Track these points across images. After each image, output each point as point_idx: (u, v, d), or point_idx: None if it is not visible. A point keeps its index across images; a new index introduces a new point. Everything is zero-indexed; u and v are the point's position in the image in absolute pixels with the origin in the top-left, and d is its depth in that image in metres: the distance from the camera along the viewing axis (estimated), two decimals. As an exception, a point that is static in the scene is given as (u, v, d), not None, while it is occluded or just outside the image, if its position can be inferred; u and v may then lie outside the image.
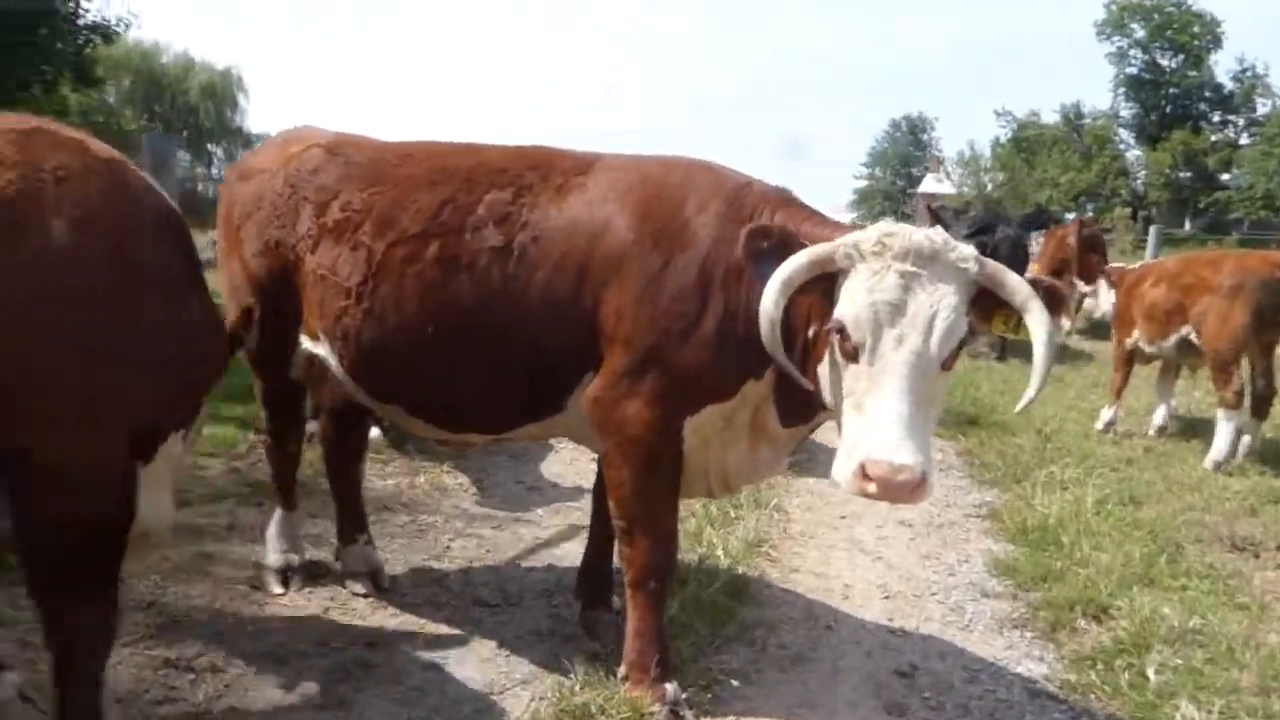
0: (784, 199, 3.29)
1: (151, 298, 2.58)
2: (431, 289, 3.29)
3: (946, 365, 2.76)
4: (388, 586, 4.23)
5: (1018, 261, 9.19)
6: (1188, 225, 44.28)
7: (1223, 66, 50.14)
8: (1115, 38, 49.85)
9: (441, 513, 5.36)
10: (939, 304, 2.67)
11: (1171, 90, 49.26)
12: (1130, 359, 8.53)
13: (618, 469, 3.30)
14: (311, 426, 4.91)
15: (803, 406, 3.20)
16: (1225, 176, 46.24)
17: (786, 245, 2.84)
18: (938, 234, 2.76)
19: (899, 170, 72.91)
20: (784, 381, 3.14)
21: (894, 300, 2.66)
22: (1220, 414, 7.32)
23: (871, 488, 2.61)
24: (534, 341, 3.26)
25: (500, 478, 6.08)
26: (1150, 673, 3.75)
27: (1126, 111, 50.76)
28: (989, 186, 46.95)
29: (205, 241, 3.99)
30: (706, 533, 5.00)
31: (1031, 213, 21.63)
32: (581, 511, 4.78)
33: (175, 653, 3.48)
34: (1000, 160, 49.52)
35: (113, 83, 37.66)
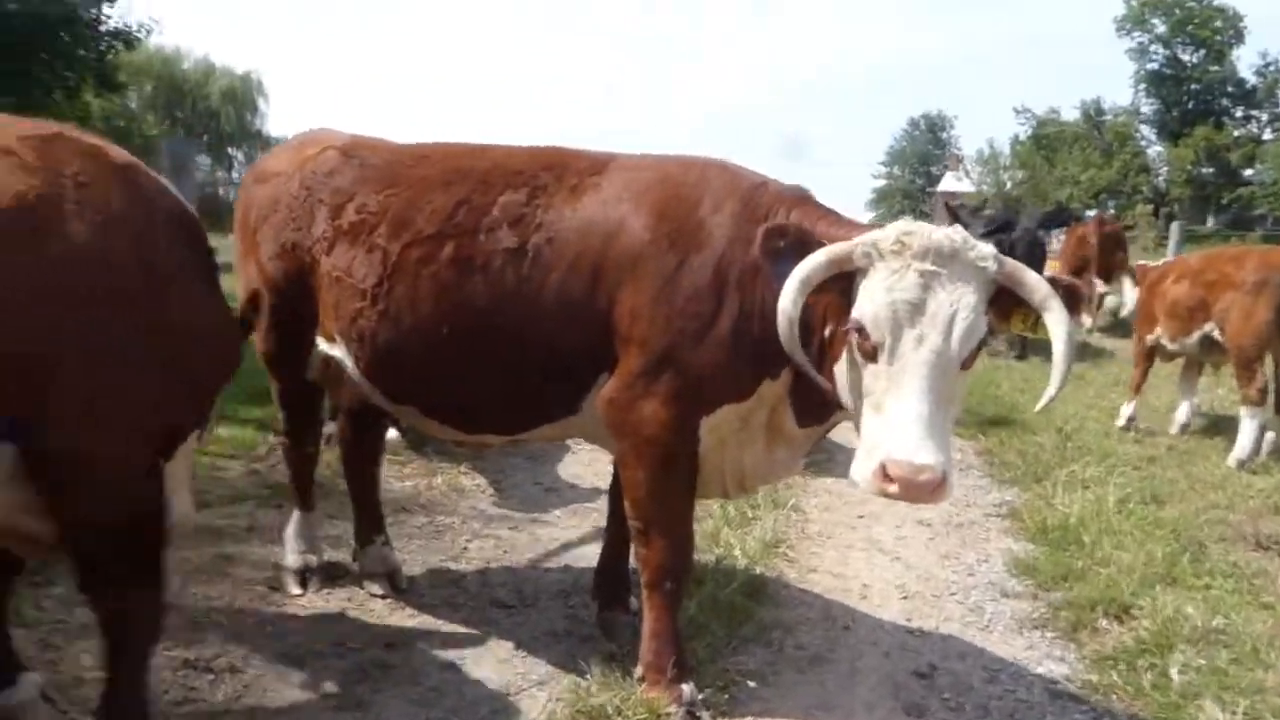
0: (800, 198, 3.27)
1: (168, 299, 2.61)
2: (446, 290, 3.30)
3: (966, 364, 2.73)
4: (405, 587, 4.24)
5: (1035, 260, 9.14)
6: (1210, 222, 43.86)
7: (1245, 61, 49.77)
8: (1136, 33, 49.45)
9: (459, 514, 5.38)
10: (959, 303, 2.65)
11: (1193, 86, 48.81)
12: (1150, 355, 8.47)
13: (633, 470, 3.30)
14: (329, 428, 4.93)
15: (819, 407, 3.19)
16: (1248, 172, 45.76)
17: (804, 244, 2.83)
18: (957, 232, 2.74)
19: (918, 169, 72.61)
20: (800, 382, 3.13)
21: (914, 299, 2.64)
22: (1244, 411, 7.25)
23: (892, 488, 2.59)
24: (549, 342, 3.26)
25: (518, 479, 6.09)
26: (1173, 673, 3.72)
27: (1148, 107, 50.33)
28: (1009, 184, 46.69)
29: (226, 244, 4.01)
30: (724, 533, 4.99)
31: (1052, 210, 21.47)
32: (599, 513, 4.78)
33: (194, 653, 3.50)
34: (1020, 158, 49.23)
35: (135, 88, 38.05)
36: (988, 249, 2.75)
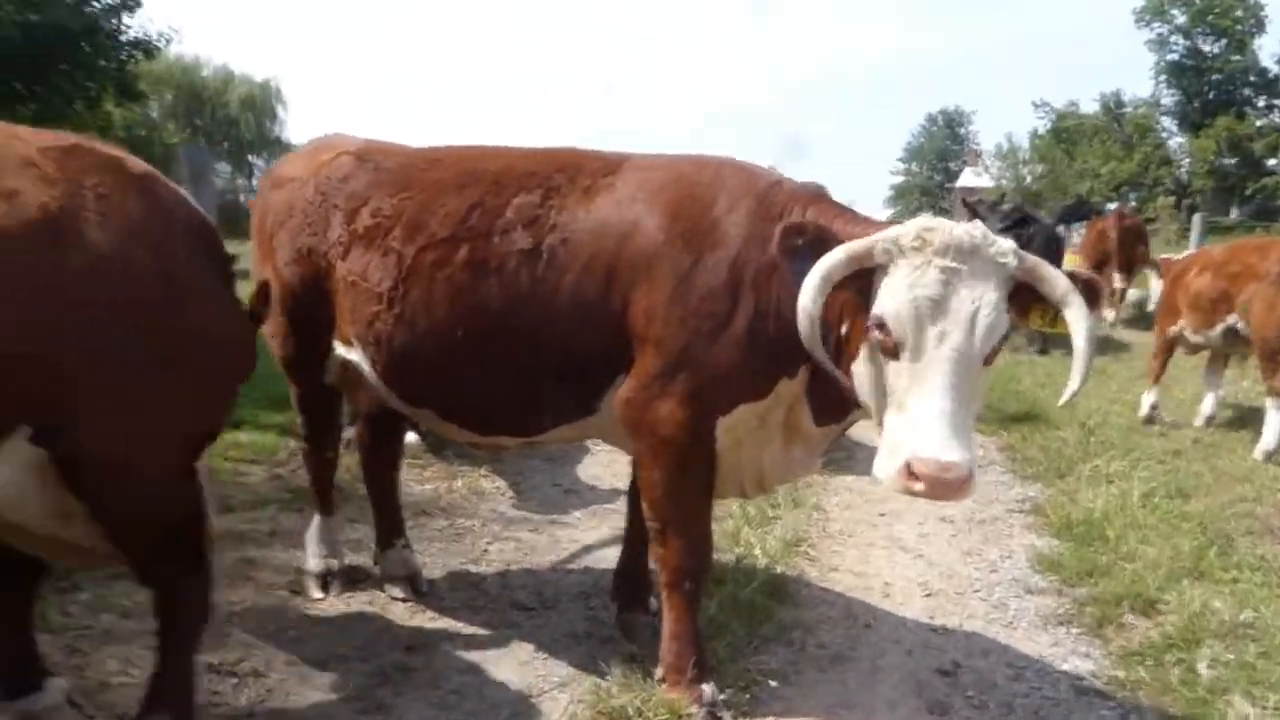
0: (815, 196, 3.25)
1: (187, 307, 2.66)
2: (461, 293, 3.30)
3: (988, 361, 2.72)
4: (426, 590, 4.25)
5: (1053, 254, 9.06)
6: (1234, 213, 43.37)
7: (1266, 50, 49.18)
8: (1155, 24, 48.99)
9: (479, 516, 5.38)
10: (981, 300, 2.63)
11: (1214, 76, 48.28)
12: (1170, 347, 8.41)
13: (651, 470, 3.29)
14: (348, 433, 4.95)
15: (836, 405, 3.17)
16: (1271, 162, 45.20)
17: (822, 242, 2.81)
18: (977, 228, 2.72)
19: (936, 165, 72.24)
20: (817, 380, 3.12)
21: (936, 296, 2.62)
22: (1269, 403, 7.16)
23: (918, 486, 2.58)
24: (564, 344, 3.25)
25: (537, 481, 6.09)
26: (1201, 668, 3.68)
27: (1168, 99, 49.84)
28: (1028, 179, 46.37)
29: (247, 251, 4.04)
30: (744, 532, 4.98)
31: (1072, 204, 21.26)
32: (618, 514, 4.78)
33: (218, 658, 3.51)
34: (1039, 152, 48.88)
35: (155, 97, 38.41)
36: (1007, 244, 2.74)
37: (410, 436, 5.79)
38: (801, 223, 2.93)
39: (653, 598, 3.91)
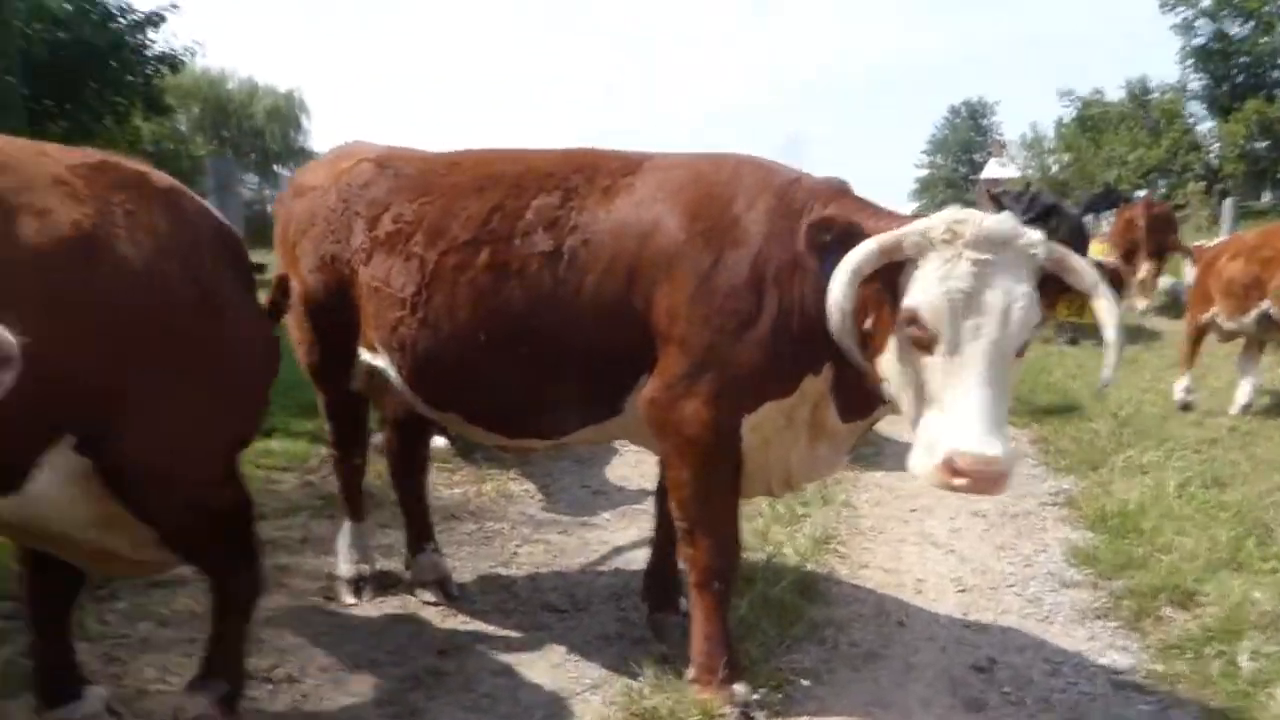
0: (836, 191, 3.23)
1: (216, 316, 2.72)
2: (483, 296, 3.31)
3: (1020, 353, 2.71)
4: (457, 594, 4.25)
5: (1079, 244, 8.98)
6: (1266, 197, 42.70)
7: (1296, 31, 48.26)
8: (1180, 9, 48.35)
9: (508, 519, 5.40)
10: (1014, 291, 2.63)
11: (1242, 59, 47.52)
12: (1202, 334, 8.32)
13: (677, 470, 3.28)
14: (377, 439, 4.98)
15: (862, 401, 3.15)
16: (1304, 144, 44.47)
17: (851, 236, 2.80)
18: (1006, 219, 2.71)
19: (960, 157, 71.68)
20: (843, 376, 3.10)
21: (969, 289, 2.61)
22: (1307, 389, 7.05)
23: (960, 481, 2.57)
24: (587, 345, 3.25)
25: (566, 483, 6.10)
26: (1242, 660, 3.62)
27: (1195, 83, 49.13)
28: (1054, 168, 45.88)
29: (275, 261, 4.10)
30: (773, 530, 4.96)
31: (1100, 192, 21.08)
32: (647, 515, 4.77)
33: (253, 664, 3.54)
34: (1065, 141, 48.34)
35: (182, 111, 38.85)
36: (1036, 235, 2.73)
37: (439, 441, 5.82)
38: (829, 217, 2.92)
39: (683, 598, 3.90)
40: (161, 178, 2.80)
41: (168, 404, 2.55)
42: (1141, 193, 28.45)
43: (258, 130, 46.11)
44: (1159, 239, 12.82)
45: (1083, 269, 2.74)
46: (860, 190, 3.33)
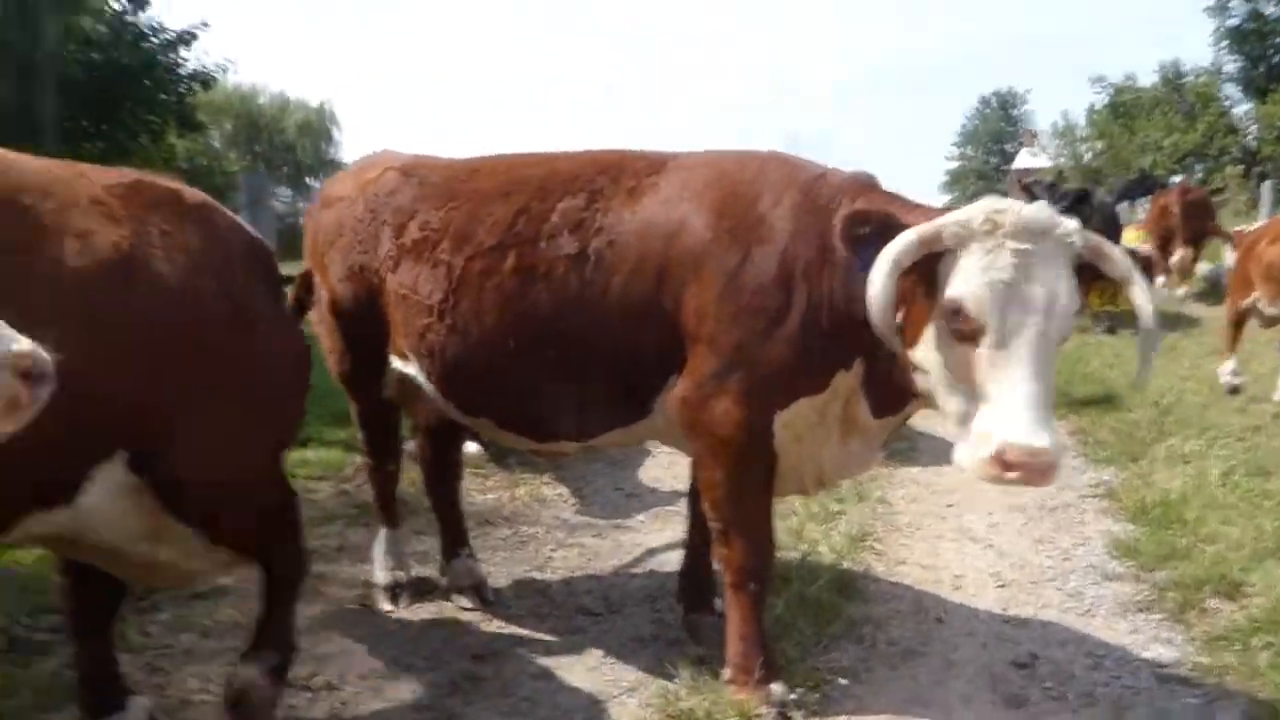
0: (863, 186, 3.21)
1: (251, 328, 2.78)
2: (511, 300, 3.33)
3: (1061, 342, 2.70)
4: (492, 599, 4.26)
5: (1111, 232, 8.88)
6: (1307, 178, 41.90)
7: (1334, 8, 47.32)
8: (1214, -10, 47.56)
9: (542, 524, 5.41)
10: (1056, 280, 2.62)
11: (1278, 39, 46.70)
12: (1242, 319, 8.18)
13: (710, 470, 3.28)
14: (411, 446, 5.01)
15: (894, 396, 3.13)
16: (1345, 124, 43.56)
17: (888, 228, 2.79)
18: (1043, 208, 2.70)
19: (991, 148, 70.92)
20: (874, 371, 3.08)
21: (1013, 279, 2.60)
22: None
23: (1012, 474, 2.57)
24: (616, 346, 3.25)
25: (599, 485, 6.10)
26: (1291, 651, 3.55)
27: (1230, 65, 48.27)
28: (1087, 156, 45.27)
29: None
30: (808, 529, 4.93)
31: (1134, 179, 20.76)
32: (681, 516, 4.76)
33: (292, 673, 3.57)
34: (1098, 128, 47.68)
35: (216, 127, 39.34)
36: (1072, 224, 2.72)
37: (472, 446, 5.85)
38: (866, 210, 2.90)
39: (718, 599, 3.89)
40: (193, 194, 2.86)
41: (211, 417, 2.60)
42: (1178, 178, 27.97)
43: (290, 144, 46.58)
44: (1195, 225, 12.65)
45: (1117, 257, 2.74)
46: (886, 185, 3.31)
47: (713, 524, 3.31)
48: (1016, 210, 2.66)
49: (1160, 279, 13.68)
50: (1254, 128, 45.06)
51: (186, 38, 20.87)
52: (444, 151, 3.99)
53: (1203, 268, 13.89)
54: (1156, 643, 3.84)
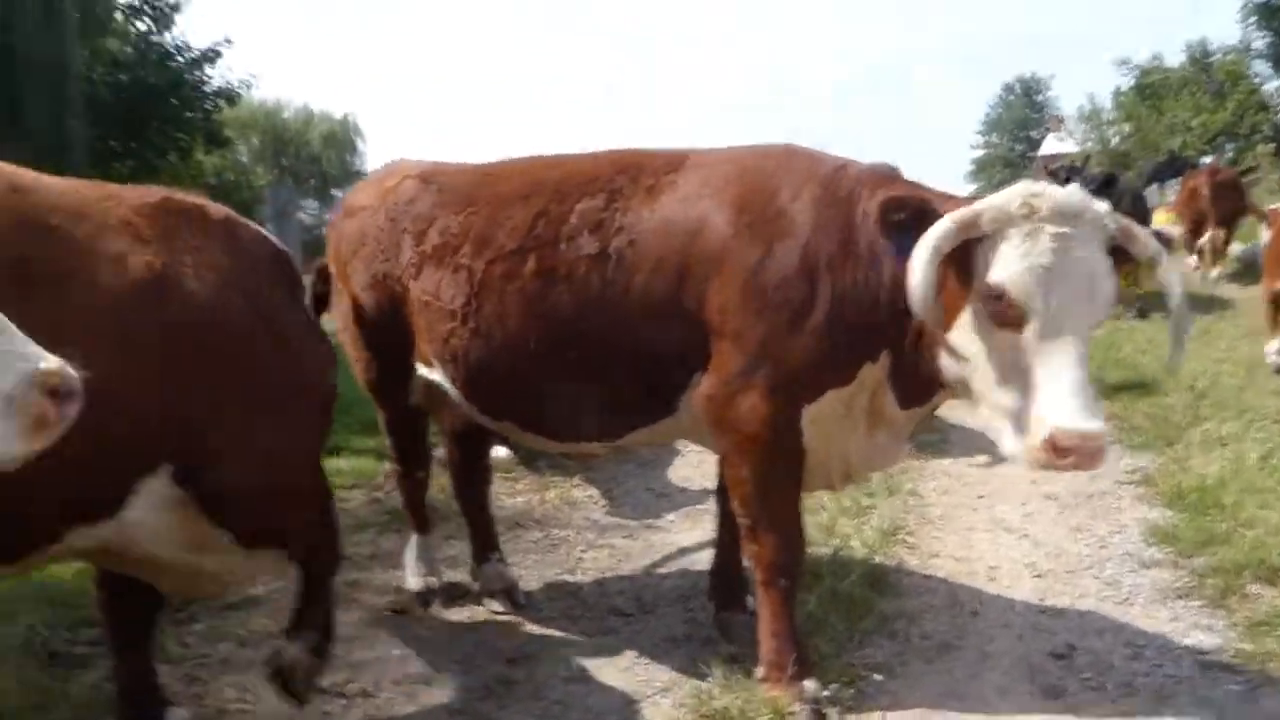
0: (884, 178, 3.19)
1: (278, 337, 2.83)
2: (532, 303, 3.33)
3: (1097, 325, 2.70)
4: (524, 602, 4.27)
5: (1140, 215, 8.78)
6: (1341, 154, 41.13)
7: (1365, -21, 46.43)
8: (1239, -35, 46.80)
9: (573, 526, 5.41)
10: (1094, 263, 2.62)
11: (1309, 12, 45.86)
12: (1278, 299, 8.03)
13: (738, 467, 3.26)
14: (440, 452, 5.02)
15: (921, 387, 3.11)
16: (1379, 98, 42.72)
17: (925, 215, 2.78)
18: (1076, 191, 2.70)
19: (1017, 135, 70.22)
20: (900, 363, 3.07)
21: (1052, 263, 2.59)
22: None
23: (1065, 460, 2.56)
24: (639, 345, 3.25)
25: (629, 486, 6.09)
26: (1336, 635, 3.48)
27: (1259, 42, 47.47)
28: (1114, 139, 44.69)
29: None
30: (840, 523, 4.91)
31: (1163, 161, 20.53)
32: (711, 515, 4.75)
33: (327, 680, 3.59)
34: (1125, 110, 47.07)
35: (242, 142, 39.79)
36: (1104, 207, 2.72)
37: (502, 451, 5.86)
38: (902, 196, 2.90)
39: (750, 596, 3.87)
40: (217, 209, 2.91)
41: (247, 427, 2.65)
42: (1208, 159, 27.56)
43: (315, 156, 47.04)
44: (1225, 206, 12.50)
45: (1146, 239, 2.74)
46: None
47: (742, 521, 3.30)
48: (1052, 194, 2.66)
49: (1191, 259, 13.51)
50: (1285, 105, 44.16)
51: (211, 55, 21.20)
52: (449, 155, 4.03)
53: (1236, 248, 13.68)
54: (1197, 630, 3.78)
